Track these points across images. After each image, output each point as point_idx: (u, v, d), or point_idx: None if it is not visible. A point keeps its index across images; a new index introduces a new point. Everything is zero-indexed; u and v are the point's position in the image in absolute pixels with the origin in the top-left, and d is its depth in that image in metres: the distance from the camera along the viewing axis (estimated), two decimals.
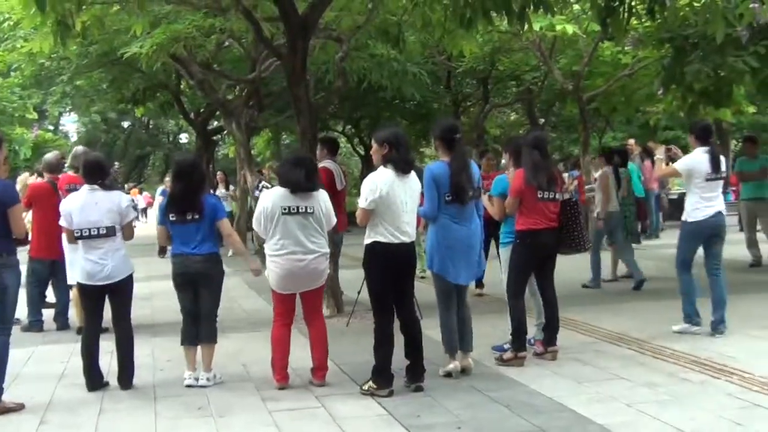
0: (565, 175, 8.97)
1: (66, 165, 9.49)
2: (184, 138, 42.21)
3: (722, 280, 7.71)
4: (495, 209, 7.07)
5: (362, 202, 5.99)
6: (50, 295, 9.51)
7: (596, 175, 11.84)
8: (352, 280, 9.24)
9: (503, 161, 6.61)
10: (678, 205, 20.08)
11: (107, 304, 6.57)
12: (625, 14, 7.23)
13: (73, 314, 8.89)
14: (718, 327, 7.58)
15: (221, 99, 17.87)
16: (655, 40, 11.51)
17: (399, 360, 6.13)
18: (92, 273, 6.35)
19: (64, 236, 7.30)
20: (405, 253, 6.09)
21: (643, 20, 8.41)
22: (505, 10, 7.55)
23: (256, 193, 13.96)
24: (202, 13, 11.16)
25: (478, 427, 5.23)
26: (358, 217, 6.07)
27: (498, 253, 7.47)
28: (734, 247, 14.51)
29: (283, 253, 6.18)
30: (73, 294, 8.67)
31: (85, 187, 6.52)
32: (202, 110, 23.20)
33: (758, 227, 12.59)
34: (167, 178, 21.76)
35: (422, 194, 6.31)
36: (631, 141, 16.28)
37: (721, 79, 10.58)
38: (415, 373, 6.13)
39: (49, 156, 9.52)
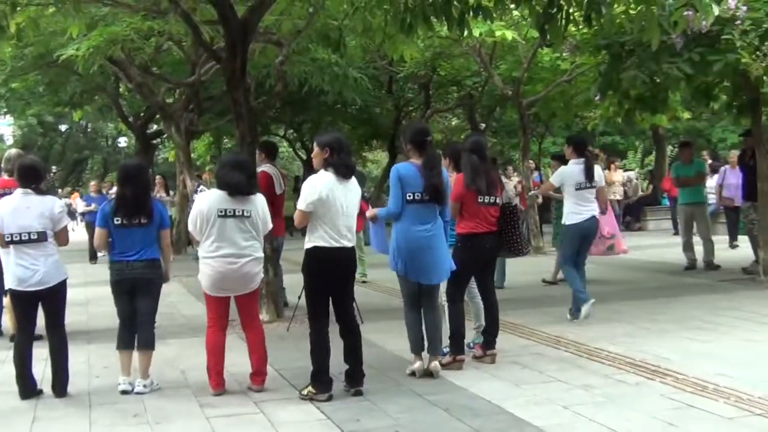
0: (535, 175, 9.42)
1: (0, 169, 9.28)
2: (123, 142, 41.48)
3: (584, 273, 8.85)
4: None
5: (301, 204, 5.96)
6: None
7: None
8: (293, 284, 9.18)
9: (443, 168, 6.65)
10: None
11: (41, 311, 6.43)
12: (563, 21, 7.30)
13: (6, 321, 8.68)
14: (576, 314, 8.62)
15: (160, 102, 17.69)
16: (591, 46, 11.66)
17: (339, 364, 6.11)
18: (23, 278, 6.21)
19: None
20: (345, 258, 6.08)
21: (580, 27, 8.48)
22: (445, 16, 7.60)
23: (195, 197, 13.82)
24: (141, 15, 11.03)
25: (417, 430, 5.25)
26: (296, 218, 6.05)
27: None
28: (669, 251, 14.88)
29: (216, 255, 6.13)
30: (6, 300, 8.46)
31: (19, 191, 6.37)
32: (141, 114, 22.94)
33: (694, 230, 12.83)
34: (93, 182, 21.44)
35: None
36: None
37: (657, 86, 10.75)
38: (355, 377, 6.11)
39: None
